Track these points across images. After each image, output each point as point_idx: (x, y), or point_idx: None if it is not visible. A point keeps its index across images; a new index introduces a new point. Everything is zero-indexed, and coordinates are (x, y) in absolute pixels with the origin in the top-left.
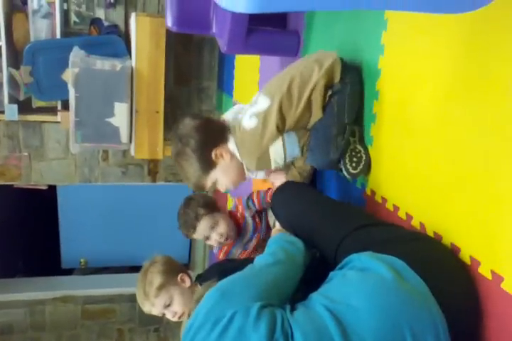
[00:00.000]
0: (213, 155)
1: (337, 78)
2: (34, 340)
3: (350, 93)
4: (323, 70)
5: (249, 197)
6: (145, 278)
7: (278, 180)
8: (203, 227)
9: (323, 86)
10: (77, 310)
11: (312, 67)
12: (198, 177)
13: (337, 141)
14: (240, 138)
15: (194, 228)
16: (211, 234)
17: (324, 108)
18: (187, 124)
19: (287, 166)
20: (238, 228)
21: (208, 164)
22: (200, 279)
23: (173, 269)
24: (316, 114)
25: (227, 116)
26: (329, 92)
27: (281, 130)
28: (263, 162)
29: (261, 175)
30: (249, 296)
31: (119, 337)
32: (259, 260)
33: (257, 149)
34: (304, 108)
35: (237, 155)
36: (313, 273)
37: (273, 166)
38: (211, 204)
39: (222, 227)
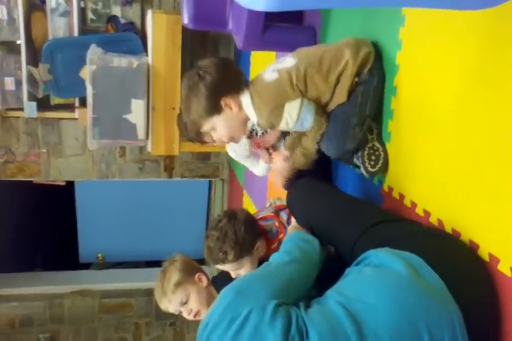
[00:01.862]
0: (223, 103)
1: (367, 68)
2: (53, 333)
3: (375, 85)
4: (359, 56)
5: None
6: (164, 276)
7: (278, 162)
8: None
9: (354, 70)
10: (94, 303)
11: (348, 46)
12: (199, 117)
13: (355, 131)
14: (258, 88)
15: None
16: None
17: (349, 94)
18: (210, 59)
19: (292, 147)
20: (269, 251)
21: (214, 107)
22: (215, 282)
23: (192, 268)
24: (341, 96)
25: None
26: (356, 79)
27: (299, 89)
28: (274, 117)
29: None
30: (264, 294)
31: (135, 330)
32: (275, 258)
33: (271, 101)
34: (332, 85)
35: (247, 109)
36: (329, 271)
37: (282, 126)
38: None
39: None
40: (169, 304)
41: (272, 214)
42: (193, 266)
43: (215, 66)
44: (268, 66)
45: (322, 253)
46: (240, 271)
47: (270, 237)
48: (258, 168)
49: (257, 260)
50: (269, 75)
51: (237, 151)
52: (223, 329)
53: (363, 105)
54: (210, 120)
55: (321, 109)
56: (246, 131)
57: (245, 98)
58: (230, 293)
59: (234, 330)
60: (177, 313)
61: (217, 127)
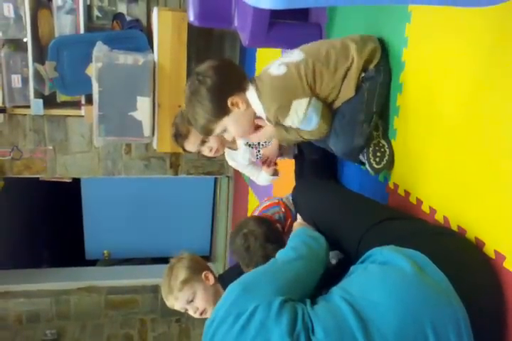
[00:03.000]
0: (229, 103)
1: (373, 64)
2: (60, 329)
3: (382, 82)
4: (365, 51)
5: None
6: (171, 273)
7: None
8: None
9: (360, 66)
10: (100, 300)
11: (355, 41)
12: (208, 121)
13: (363, 127)
14: (265, 82)
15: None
16: None
17: (356, 89)
18: (206, 63)
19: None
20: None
21: (221, 109)
22: (222, 279)
23: (199, 266)
24: (348, 92)
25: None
26: (362, 74)
27: (308, 85)
28: (280, 113)
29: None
30: (270, 290)
31: (141, 327)
32: (281, 255)
33: (279, 96)
34: (339, 81)
35: (254, 104)
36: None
37: (287, 123)
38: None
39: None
40: (176, 301)
41: (276, 200)
42: (200, 264)
43: (213, 69)
44: (273, 60)
45: (328, 250)
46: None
47: (282, 225)
48: (260, 177)
49: None
50: (277, 69)
51: (237, 160)
52: (229, 325)
53: (370, 101)
54: (220, 122)
55: (329, 111)
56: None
57: (251, 93)
58: (236, 289)
59: (240, 326)
60: (183, 311)
61: (229, 128)
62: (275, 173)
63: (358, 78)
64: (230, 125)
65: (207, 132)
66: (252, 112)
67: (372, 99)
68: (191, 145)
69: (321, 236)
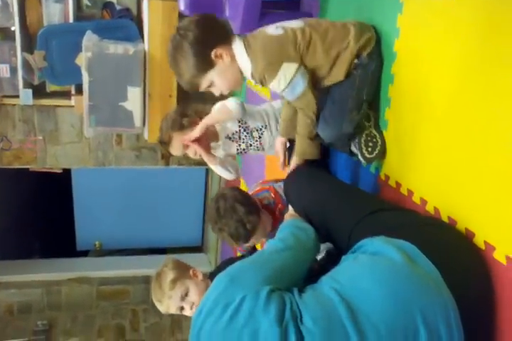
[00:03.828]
0: (213, 55)
1: (366, 51)
2: (51, 319)
3: (373, 70)
4: (362, 38)
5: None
6: (159, 277)
7: (277, 144)
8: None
9: (354, 50)
10: (92, 291)
11: (349, 28)
12: (193, 76)
13: (352, 114)
14: (259, 38)
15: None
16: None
17: (347, 75)
18: (188, 18)
19: (287, 133)
20: (275, 222)
21: (205, 63)
22: (212, 277)
23: (184, 266)
24: (338, 74)
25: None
26: (355, 61)
27: (300, 52)
28: (268, 72)
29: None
30: (258, 280)
31: (133, 317)
32: (269, 245)
33: (271, 54)
34: (331, 60)
35: (241, 59)
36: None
37: (273, 84)
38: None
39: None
40: (170, 300)
41: (267, 186)
42: (185, 265)
43: (194, 23)
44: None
45: (317, 241)
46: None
47: (271, 210)
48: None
49: (265, 229)
50: (274, 30)
51: (217, 153)
52: (217, 316)
53: (361, 89)
54: (206, 76)
55: (313, 85)
56: (242, 81)
57: (238, 46)
58: (223, 280)
59: (228, 316)
60: (179, 312)
61: (215, 81)
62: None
63: (351, 63)
64: (216, 78)
65: (193, 87)
66: (237, 65)
67: (363, 86)
68: (176, 150)
69: (310, 228)
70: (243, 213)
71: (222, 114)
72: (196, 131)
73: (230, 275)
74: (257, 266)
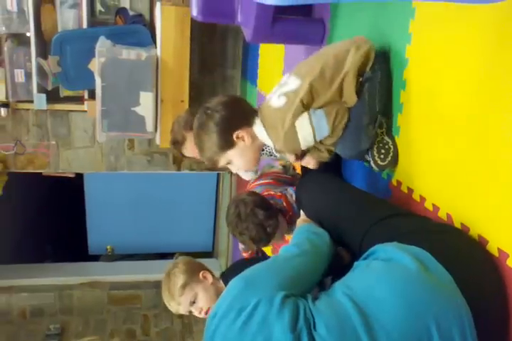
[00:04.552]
0: (234, 136)
1: (368, 66)
2: (63, 323)
3: (380, 80)
4: (359, 52)
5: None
6: (169, 280)
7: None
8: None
9: (356, 71)
10: (103, 295)
11: (348, 50)
12: (214, 153)
13: (368, 129)
14: (267, 115)
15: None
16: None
17: (358, 95)
18: (217, 98)
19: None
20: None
21: (227, 142)
22: (224, 277)
23: (194, 268)
24: (352, 98)
25: None
26: (360, 79)
27: (305, 105)
28: (291, 139)
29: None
30: (273, 285)
31: (144, 322)
32: (284, 251)
33: (281, 124)
34: (336, 90)
35: (262, 137)
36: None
37: (303, 144)
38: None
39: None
40: (179, 306)
41: (279, 193)
42: (195, 266)
43: (222, 104)
44: (273, 91)
45: (332, 246)
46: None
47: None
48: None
49: (282, 232)
50: (277, 101)
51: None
52: (231, 320)
53: (372, 102)
54: (225, 155)
55: (329, 106)
56: (259, 161)
57: (258, 127)
58: (238, 284)
59: (242, 321)
60: (188, 314)
61: (233, 160)
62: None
63: (357, 83)
64: (234, 158)
65: (212, 163)
66: (257, 145)
67: (374, 99)
68: (189, 150)
69: (325, 233)
70: (263, 217)
71: None
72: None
73: (245, 279)
74: (272, 271)
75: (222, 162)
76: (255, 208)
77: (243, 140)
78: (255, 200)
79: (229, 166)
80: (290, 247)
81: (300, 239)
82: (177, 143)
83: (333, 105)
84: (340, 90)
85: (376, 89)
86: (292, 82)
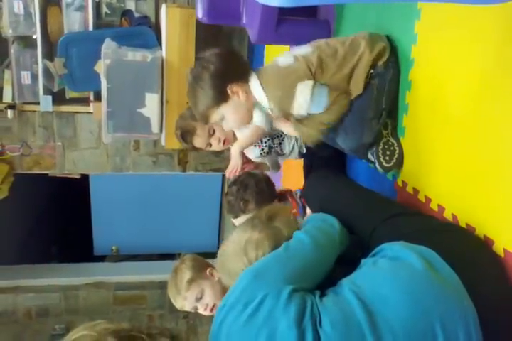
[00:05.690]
0: (229, 90)
1: (382, 60)
2: (68, 324)
3: (391, 78)
4: (374, 49)
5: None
6: (176, 275)
7: (284, 128)
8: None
9: (369, 62)
10: (109, 295)
11: (363, 39)
12: (207, 107)
13: (372, 124)
14: (270, 72)
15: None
16: None
17: (365, 85)
18: (212, 50)
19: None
20: None
21: (221, 96)
22: None
23: (201, 264)
24: (357, 88)
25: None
26: (371, 71)
27: (312, 74)
28: (286, 100)
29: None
30: (281, 279)
31: (149, 322)
32: (296, 239)
33: (283, 82)
34: (347, 74)
35: (258, 94)
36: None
37: (295, 109)
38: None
39: None
40: (185, 301)
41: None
42: (203, 263)
43: (217, 56)
44: (282, 53)
45: (343, 234)
46: None
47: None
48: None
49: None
50: (284, 60)
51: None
52: (238, 312)
53: (379, 98)
54: (218, 110)
55: (335, 91)
56: (251, 119)
57: (254, 83)
58: (247, 276)
59: (248, 314)
60: (194, 311)
61: (226, 116)
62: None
63: (367, 75)
64: (227, 113)
65: (204, 118)
66: (251, 104)
67: (381, 95)
68: (200, 139)
69: (335, 220)
70: (262, 184)
71: (257, 135)
72: (237, 159)
73: (255, 271)
74: (282, 263)
75: (214, 117)
76: (258, 183)
77: (237, 95)
78: (264, 178)
79: (222, 123)
80: (302, 236)
81: (311, 228)
82: (188, 132)
83: (337, 90)
84: (350, 75)
85: (386, 86)
86: (305, 48)
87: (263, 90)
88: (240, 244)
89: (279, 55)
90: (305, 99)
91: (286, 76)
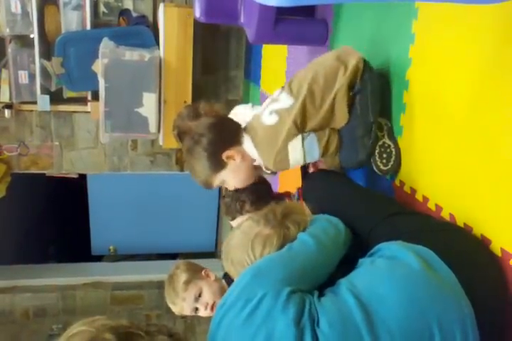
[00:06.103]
0: (224, 157)
1: (358, 78)
2: (66, 323)
3: (371, 90)
4: (347, 73)
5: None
6: (171, 279)
7: None
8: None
9: (346, 88)
10: (106, 295)
11: (337, 68)
12: (207, 176)
13: (364, 141)
14: (259, 134)
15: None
16: None
17: (349, 110)
18: (202, 122)
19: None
20: None
21: (217, 164)
22: (227, 278)
23: (196, 267)
24: (343, 116)
25: (240, 109)
26: (351, 93)
27: (299, 128)
28: (281, 160)
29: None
30: (281, 279)
31: (147, 322)
32: (300, 240)
33: (274, 145)
34: (327, 110)
35: (252, 154)
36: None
37: (292, 165)
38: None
39: None
40: (184, 302)
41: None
42: (197, 266)
43: (207, 127)
44: (263, 106)
45: (347, 235)
46: None
47: None
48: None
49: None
50: (268, 118)
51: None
52: (238, 310)
53: (365, 114)
54: (218, 176)
55: (322, 131)
56: (255, 173)
57: (248, 145)
58: (249, 273)
59: (247, 312)
60: (193, 313)
61: (226, 180)
62: None
63: (348, 98)
64: (227, 177)
65: (208, 185)
66: (248, 161)
67: (366, 110)
68: None
69: (339, 221)
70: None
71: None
72: None
73: (256, 269)
74: (283, 264)
75: (216, 183)
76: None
77: (233, 159)
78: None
79: (224, 185)
80: (306, 237)
81: (315, 228)
82: (184, 133)
83: (324, 129)
84: (332, 109)
85: (368, 100)
86: (284, 100)
87: (257, 152)
88: (249, 235)
89: (260, 112)
90: (299, 154)
91: (274, 138)
